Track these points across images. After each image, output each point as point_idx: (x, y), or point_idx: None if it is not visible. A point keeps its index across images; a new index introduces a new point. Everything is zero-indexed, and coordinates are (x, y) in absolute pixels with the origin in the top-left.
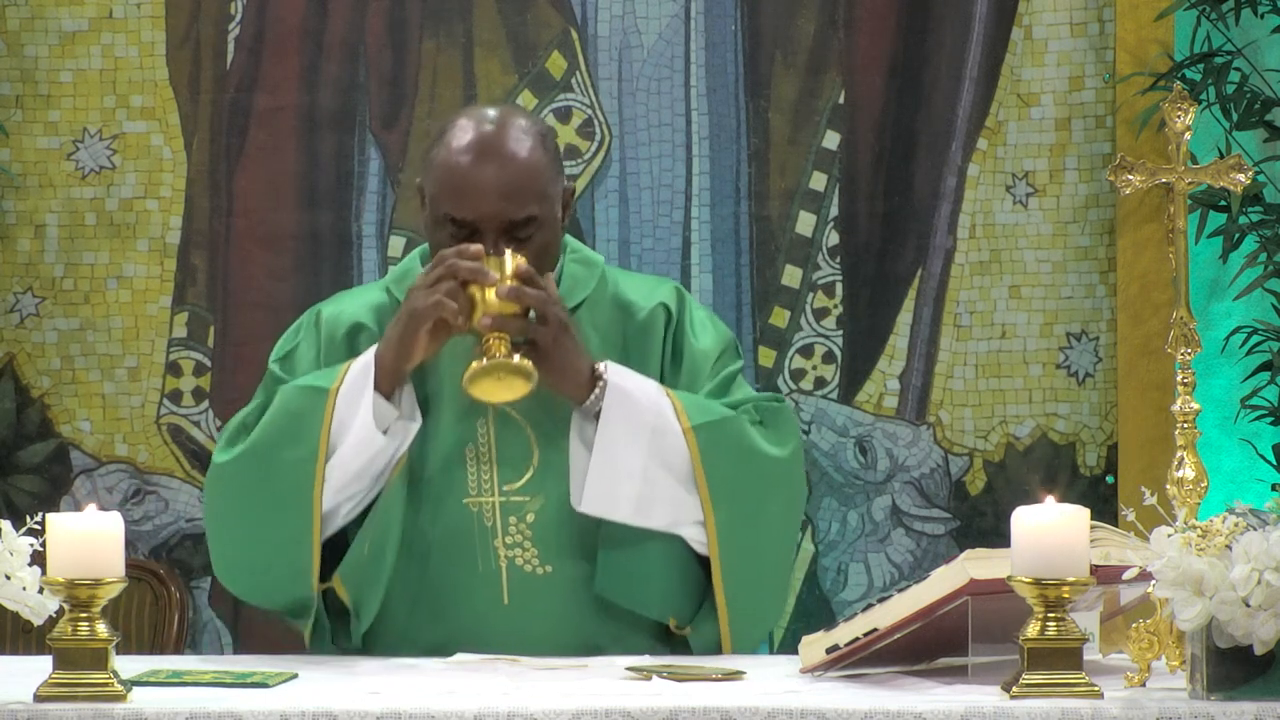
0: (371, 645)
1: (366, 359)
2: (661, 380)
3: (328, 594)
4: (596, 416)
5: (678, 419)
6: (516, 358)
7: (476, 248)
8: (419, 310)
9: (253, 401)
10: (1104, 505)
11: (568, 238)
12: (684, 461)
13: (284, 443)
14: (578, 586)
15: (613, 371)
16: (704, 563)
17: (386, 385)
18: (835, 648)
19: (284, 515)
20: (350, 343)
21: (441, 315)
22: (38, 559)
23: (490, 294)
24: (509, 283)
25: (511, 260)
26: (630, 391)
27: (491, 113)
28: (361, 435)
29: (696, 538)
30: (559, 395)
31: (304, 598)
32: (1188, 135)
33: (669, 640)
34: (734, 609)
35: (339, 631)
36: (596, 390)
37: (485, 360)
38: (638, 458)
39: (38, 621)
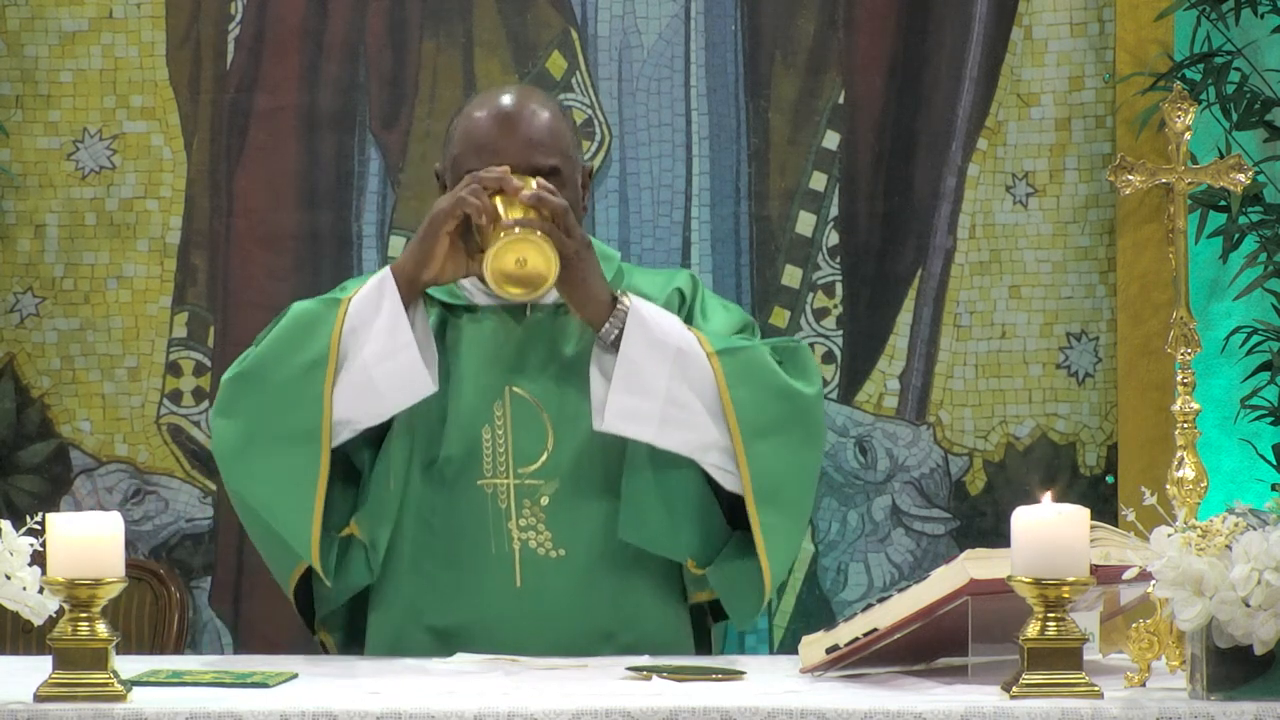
0: (382, 622)
1: (382, 273)
2: None
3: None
4: (616, 346)
5: (701, 345)
6: (539, 234)
7: (502, 167)
8: (442, 209)
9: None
10: (1104, 505)
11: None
12: (709, 385)
13: (294, 346)
14: (590, 571)
15: (634, 298)
16: (723, 503)
17: (403, 297)
18: (835, 648)
19: (294, 414)
20: None
21: (464, 211)
22: (38, 559)
23: (514, 209)
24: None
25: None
26: (653, 313)
27: (510, 86)
28: (389, 343)
29: (719, 464)
30: (579, 315)
31: (309, 527)
32: (1188, 135)
33: (680, 626)
34: (769, 533)
35: (356, 568)
36: (616, 313)
37: (505, 236)
38: (662, 376)
39: (38, 621)
